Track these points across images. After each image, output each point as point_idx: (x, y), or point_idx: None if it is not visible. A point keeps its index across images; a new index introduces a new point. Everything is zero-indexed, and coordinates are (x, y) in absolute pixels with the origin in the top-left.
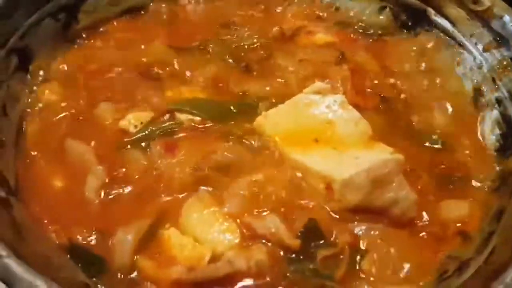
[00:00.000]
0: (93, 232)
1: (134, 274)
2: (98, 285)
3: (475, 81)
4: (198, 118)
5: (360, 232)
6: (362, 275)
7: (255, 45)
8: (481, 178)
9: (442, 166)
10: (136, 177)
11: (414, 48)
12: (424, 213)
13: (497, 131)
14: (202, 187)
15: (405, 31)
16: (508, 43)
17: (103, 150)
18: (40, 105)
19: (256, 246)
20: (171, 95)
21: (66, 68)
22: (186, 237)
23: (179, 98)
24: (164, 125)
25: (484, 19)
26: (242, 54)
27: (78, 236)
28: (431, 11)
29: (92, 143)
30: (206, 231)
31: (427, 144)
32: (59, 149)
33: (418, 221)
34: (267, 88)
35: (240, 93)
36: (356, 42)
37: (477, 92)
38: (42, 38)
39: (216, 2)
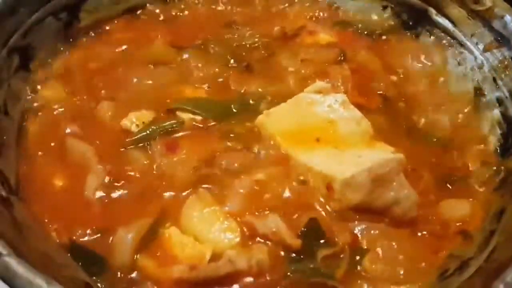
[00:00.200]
0: (94, 231)
1: (135, 273)
2: (99, 284)
3: (476, 81)
4: (199, 117)
5: (361, 232)
6: (363, 274)
7: (257, 45)
8: (482, 178)
9: (443, 166)
10: (137, 176)
11: (415, 47)
12: (425, 213)
13: (498, 131)
14: (203, 186)
15: (406, 31)
16: (509, 43)
17: (104, 150)
18: (41, 104)
19: (257, 245)
20: (173, 94)
21: (67, 67)
22: (187, 236)
23: (180, 97)
24: (165, 124)
25: (485, 19)
26: (244, 53)
27: (78, 235)
28: (432, 11)
29: (93, 142)
30: (206, 230)
31: (428, 143)
32: (60, 148)
33: (419, 221)
34: (268, 88)
35: (241, 92)
36: (358, 42)
37: (478, 92)
38: (44, 37)
39: (217, 2)
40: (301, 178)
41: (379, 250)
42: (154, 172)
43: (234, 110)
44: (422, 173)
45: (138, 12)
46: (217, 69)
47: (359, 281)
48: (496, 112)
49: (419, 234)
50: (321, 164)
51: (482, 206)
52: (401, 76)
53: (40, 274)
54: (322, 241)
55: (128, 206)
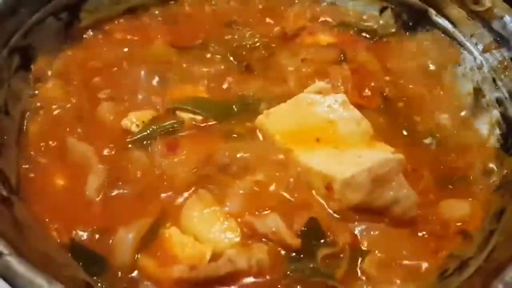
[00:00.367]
0: (95, 231)
1: (135, 273)
2: (99, 284)
3: (476, 81)
4: (199, 117)
5: (361, 232)
6: (363, 274)
7: (257, 45)
8: (482, 178)
9: (443, 166)
10: (138, 176)
11: (415, 48)
12: (425, 213)
13: (498, 131)
14: (204, 186)
15: (406, 31)
16: (508, 43)
17: (105, 149)
18: (42, 104)
19: (257, 245)
20: (173, 94)
21: (68, 67)
22: (187, 236)
23: (181, 97)
24: (165, 124)
25: (485, 20)
26: (244, 53)
27: (79, 235)
28: (432, 12)
29: (94, 142)
30: (207, 230)
31: (428, 144)
32: (61, 148)
33: (419, 221)
34: (268, 88)
35: (242, 92)
36: (358, 42)
37: (478, 92)
38: (45, 37)
39: (217, 2)
40: (301, 178)
41: (379, 250)
42: (155, 172)
43: (235, 110)
44: (422, 173)
45: (139, 12)
46: (217, 69)
47: (359, 281)
48: (496, 113)
49: (419, 234)
50: (321, 164)
51: (482, 206)
52: (401, 76)
53: (41, 274)
54: (322, 241)
55: (129, 206)
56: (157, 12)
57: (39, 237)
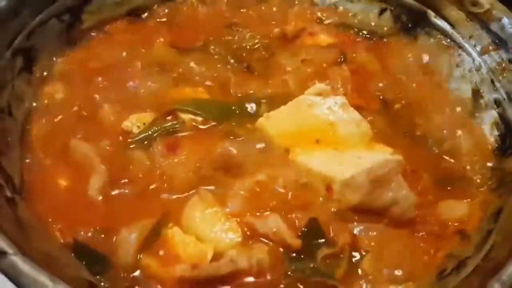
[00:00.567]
0: (97, 231)
1: (138, 272)
2: (102, 283)
3: (474, 82)
4: (200, 118)
5: (360, 232)
6: (362, 274)
7: (257, 46)
8: (480, 179)
9: (442, 167)
10: (140, 176)
11: (415, 49)
12: (423, 213)
13: (496, 132)
14: (204, 187)
15: (405, 32)
16: (506, 45)
17: (107, 150)
18: (45, 105)
19: (258, 245)
20: (174, 95)
21: (70, 68)
22: (189, 236)
23: (181, 98)
24: (166, 125)
25: (483, 21)
26: (244, 54)
27: (82, 235)
28: (431, 13)
29: (96, 143)
30: (208, 230)
31: (427, 145)
32: (64, 149)
33: (418, 221)
34: (269, 89)
35: (242, 94)
36: (357, 44)
37: (476, 93)
38: (47, 39)
39: (218, 3)
40: (301, 179)
41: (378, 250)
42: (157, 172)
43: (235, 111)
44: (420, 174)
45: (140, 13)
46: (217, 71)
47: (358, 280)
48: (494, 114)
49: (418, 234)
50: (320, 165)
51: (480, 206)
52: (400, 77)
53: (45, 273)
54: (322, 241)
55: (131, 206)
56: (158, 13)
57: (43, 237)
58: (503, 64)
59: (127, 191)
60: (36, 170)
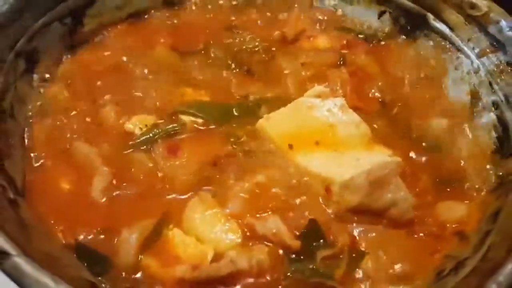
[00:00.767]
0: (99, 232)
1: (139, 273)
2: (103, 284)
3: (473, 84)
4: (201, 120)
5: (359, 233)
6: (362, 275)
7: (257, 49)
8: (478, 180)
9: (440, 168)
10: (141, 178)
11: (413, 52)
12: (422, 214)
13: (494, 134)
14: (205, 188)
15: (404, 35)
16: (504, 47)
17: (109, 152)
18: (47, 107)
19: (258, 246)
20: (175, 97)
21: (72, 71)
22: (189, 237)
23: (182, 101)
24: (167, 127)
25: (481, 24)
26: (244, 57)
27: (84, 236)
28: (430, 16)
29: (98, 145)
30: (208, 231)
31: (425, 146)
32: (66, 151)
33: (416, 222)
34: (269, 91)
35: (242, 96)
36: (357, 46)
37: (475, 95)
38: (49, 41)
39: (218, 7)
40: (301, 180)
41: (377, 251)
42: (157, 174)
43: (235, 113)
44: (419, 176)
45: (141, 17)
46: (218, 73)
47: (357, 281)
48: (492, 116)
49: (416, 235)
50: (320, 167)
51: (479, 207)
52: (399, 79)
53: (47, 274)
54: (321, 242)
55: (132, 208)
56: (159, 17)
57: (44, 238)
58: (501, 67)
59: (128, 192)
60: (38, 172)
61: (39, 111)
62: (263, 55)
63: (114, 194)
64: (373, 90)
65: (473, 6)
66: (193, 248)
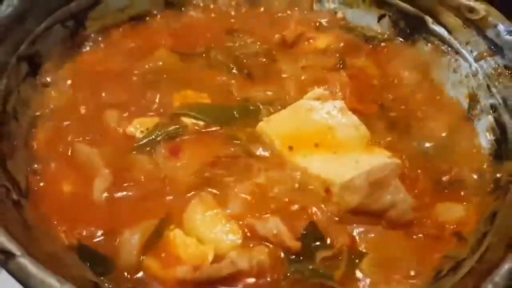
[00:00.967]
0: (101, 233)
1: (140, 273)
2: (106, 284)
3: (471, 87)
4: (202, 122)
5: (359, 234)
6: (361, 275)
7: (257, 52)
8: (476, 182)
9: (439, 170)
10: (142, 179)
11: (412, 55)
12: (421, 216)
13: (492, 137)
14: (206, 189)
15: (403, 38)
16: (502, 51)
17: (111, 154)
18: (50, 110)
19: (258, 247)
20: (176, 100)
21: (74, 74)
22: (190, 237)
23: (183, 103)
24: (169, 129)
25: (479, 28)
26: (245, 60)
27: (86, 237)
28: (428, 19)
29: (100, 147)
30: (209, 232)
31: (424, 148)
32: (68, 153)
33: (415, 223)
34: (269, 94)
35: (243, 99)
36: (356, 49)
37: (473, 98)
38: (52, 45)
39: (219, 10)
40: (301, 182)
41: (376, 251)
42: (159, 175)
43: (236, 116)
44: (418, 177)
45: (142, 20)
46: (219, 76)
47: (356, 282)
48: (490, 118)
49: (415, 236)
50: (320, 168)
51: (476, 209)
52: (398, 82)
53: (52, 274)
54: (321, 243)
55: (134, 209)
56: (160, 19)
57: (48, 239)
58: (499, 70)
59: (130, 193)
60: (41, 173)
61: (42, 114)
62: (264, 59)
63: (115, 195)
64: (372, 93)
65: (471, 10)
66: (194, 248)
